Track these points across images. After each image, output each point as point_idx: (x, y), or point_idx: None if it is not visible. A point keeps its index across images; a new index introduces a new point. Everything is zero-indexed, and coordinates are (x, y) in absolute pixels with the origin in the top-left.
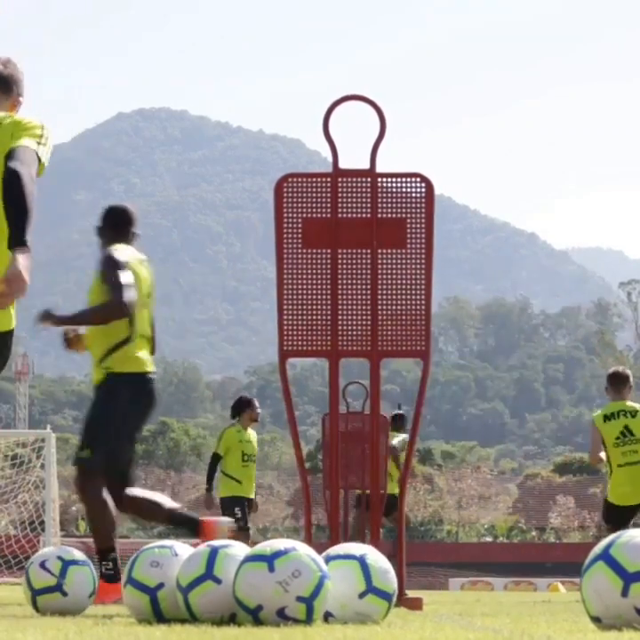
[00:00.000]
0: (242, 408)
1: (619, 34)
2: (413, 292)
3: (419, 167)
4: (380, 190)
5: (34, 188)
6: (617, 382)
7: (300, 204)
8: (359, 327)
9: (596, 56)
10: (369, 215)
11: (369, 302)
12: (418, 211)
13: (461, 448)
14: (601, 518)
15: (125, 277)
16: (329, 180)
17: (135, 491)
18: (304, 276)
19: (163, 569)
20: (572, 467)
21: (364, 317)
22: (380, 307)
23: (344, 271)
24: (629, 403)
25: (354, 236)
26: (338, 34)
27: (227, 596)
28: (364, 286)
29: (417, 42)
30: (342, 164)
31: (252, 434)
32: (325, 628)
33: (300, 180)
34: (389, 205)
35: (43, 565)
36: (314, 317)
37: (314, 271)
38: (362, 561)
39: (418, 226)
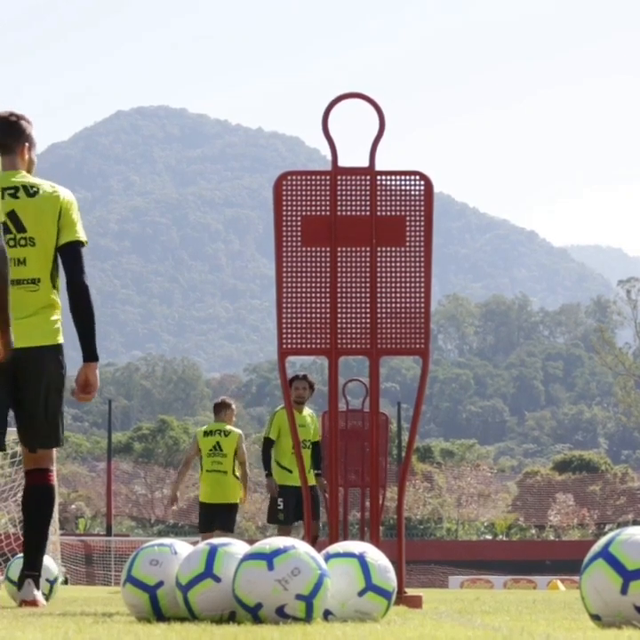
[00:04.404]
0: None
1: (617, 34)
2: (412, 289)
3: (418, 165)
4: (379, 188)
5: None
6: (218, 409)
7: (299, 202)
8: (358, 325)
9: (594, 55)
10: (368, 213)
11: (368, 300)
12: (417, 208)
13: (461, 446)
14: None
15: None
16: (328, 177)
17: None
18: (303, 274)
19: (162, 567)
20: (572, 464)
21: (364, 315)
22: (379, 304)
23: (343, 269)
24: (228, 426)
25: (353, 234)
26: (337, 31)
27: (226, 595)
28: (363, 284)
29: (416, 40)
30: (341, 162)
31: (306, 416)
32: (325, 626)
33: (299, 177)
34: (388, 203)
35: None
36: (313, 315)
37: (313, 269)
38: (361, 559)
39: (417, 224)
